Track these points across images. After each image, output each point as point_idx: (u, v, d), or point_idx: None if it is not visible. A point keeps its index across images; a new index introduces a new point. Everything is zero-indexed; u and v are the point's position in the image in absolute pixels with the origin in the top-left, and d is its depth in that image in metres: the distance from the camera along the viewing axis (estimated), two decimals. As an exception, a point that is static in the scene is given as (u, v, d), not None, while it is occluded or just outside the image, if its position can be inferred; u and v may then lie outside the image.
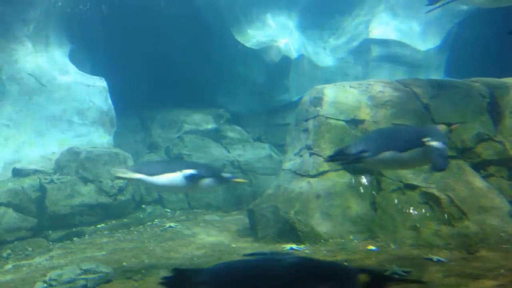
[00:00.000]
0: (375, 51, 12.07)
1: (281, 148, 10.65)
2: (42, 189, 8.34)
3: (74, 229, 8.31)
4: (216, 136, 11.71)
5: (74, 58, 10.74)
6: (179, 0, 11.62)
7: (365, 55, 12.13)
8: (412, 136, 5.25)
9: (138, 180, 5.86)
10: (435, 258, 5.74)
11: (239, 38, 11.55)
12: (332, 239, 6.80)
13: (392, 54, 12.17)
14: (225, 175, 6.17)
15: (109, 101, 10.31)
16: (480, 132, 7.50)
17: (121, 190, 8.90)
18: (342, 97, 7.96)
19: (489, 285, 4.82)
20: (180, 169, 5.81)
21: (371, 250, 6.32)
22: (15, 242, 7.84)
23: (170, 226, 8.46)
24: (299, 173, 7.59)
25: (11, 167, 9.00)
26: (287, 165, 8.03)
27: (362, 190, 7.23)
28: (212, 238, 7.59)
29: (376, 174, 7.29)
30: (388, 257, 5.94)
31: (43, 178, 8.50)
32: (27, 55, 9.83)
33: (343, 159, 5.33)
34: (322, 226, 6.94)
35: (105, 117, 10.24)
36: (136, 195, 9.31)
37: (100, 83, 10.31)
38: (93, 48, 11.42)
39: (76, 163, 8.78)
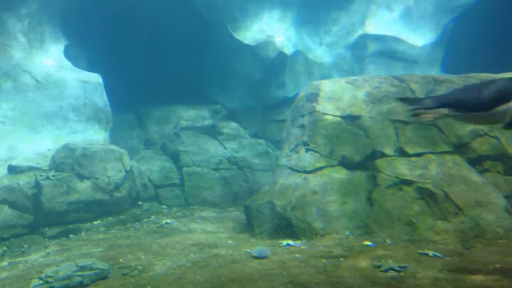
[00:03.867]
0: (371, 46, 12.08)
1: (277, 144, 10.65)
2: (37, 186, 8.31)
3: (70, 226, 8.30)
4: (213, 132, 11.71)
5: (69, 54, 10.68)
6: (175, -4, 11.60)
7: (361, 51, 12.13)
8: None
9: None
10: (431, 253, 5.76)
11: (236, 35, 11.53)
12: (329, 234, 6.81)
13: (388, 50, 12.17)
14: None
15: (105, 97, 10.27)
16: (476, 128, 7.51)
17: (117, 187, 8.88)
18: (338, 93, 7.97)
19: (485, 279, 4.84)
20: None
21: (367, 245, 6.34)
22: (11, 239, 7.83)
23: (167, 223, 8.46)
24: (295, 169, 7.59)
25: (6, 164, 8.97)
26: (283, 161, 8.02)
27: (358, 186, 7.24)
28: (209, 235, 7.58)
29: (372, 170, 7.31)
30: (384, 252, 5.95)
31: (38, 175, 8.47)
32: (22, 51, 9.77)
33: None
34: (319, 222, 6.94)
35: (101, 114, 10.21)
36: (132, 191, 9.29)
37: (95, 79, 10.26)
38: (89, 44, 11.37)
39: (72, 160, 8.75)
